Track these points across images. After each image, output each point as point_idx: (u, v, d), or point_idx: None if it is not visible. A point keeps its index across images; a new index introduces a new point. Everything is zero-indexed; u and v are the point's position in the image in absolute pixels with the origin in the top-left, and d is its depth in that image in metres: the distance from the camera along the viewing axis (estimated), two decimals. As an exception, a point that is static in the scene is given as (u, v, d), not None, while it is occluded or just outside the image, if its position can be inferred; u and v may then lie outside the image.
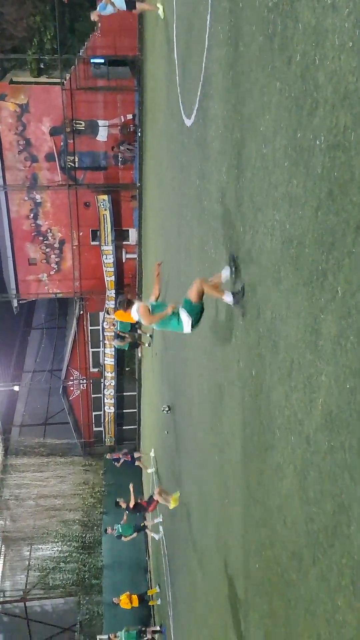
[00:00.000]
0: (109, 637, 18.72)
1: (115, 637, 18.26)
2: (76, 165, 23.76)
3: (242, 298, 5.88)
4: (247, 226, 5.60)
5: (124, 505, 16.67)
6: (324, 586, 3.79)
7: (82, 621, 24.26)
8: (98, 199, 23.81)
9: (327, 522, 3.71)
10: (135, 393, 27.77)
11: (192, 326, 6.68)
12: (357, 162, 3.16)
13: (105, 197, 23.70)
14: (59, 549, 25.87)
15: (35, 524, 26.42)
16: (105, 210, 23.76)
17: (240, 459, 6.30)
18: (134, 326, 20.67)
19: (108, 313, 25.74)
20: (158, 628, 18.37)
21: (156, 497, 13.94)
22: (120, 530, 18.14)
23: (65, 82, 21.94)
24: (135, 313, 7.02)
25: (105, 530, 19.10)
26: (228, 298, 6.24)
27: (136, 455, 22.30)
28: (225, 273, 6.38)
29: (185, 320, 6.58)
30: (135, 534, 18.44)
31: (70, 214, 24.18)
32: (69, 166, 23.51)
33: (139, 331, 20.00)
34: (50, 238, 24.80)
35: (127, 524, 18.23)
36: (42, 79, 23.25)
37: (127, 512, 17.01)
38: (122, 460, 21.64)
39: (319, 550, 3.87)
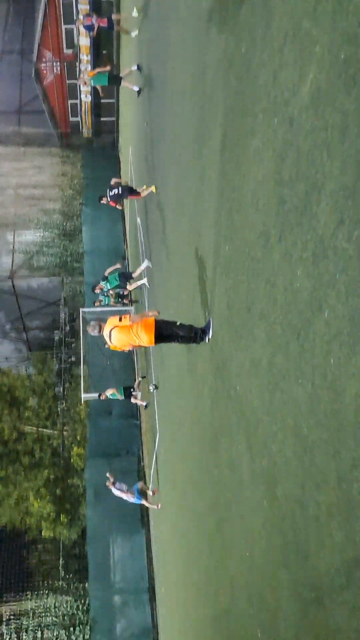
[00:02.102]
0: (99, 395, 17.84)
1: (106, 397, 17.66)
2: None
3: None
4: None
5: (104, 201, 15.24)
6: (286, 259, 4.11)
7: (65, 297, 27.00)
8: None
9: (298, 202, 3.84)
10: (113, 82, 25.87)
11: None
12: None
13: None
14: (41, 234, 27.21)
15: (17, 212, 27.24)
16: None
17: (219, 151, 6.20)
18: (112, 78, 16.27)
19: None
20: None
21: (142, 193, 13.66)
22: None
23: None
24: None
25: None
26: None
27: (115, 17, 17.36)
28: None
29: None
30: (112, 204, 15.69)
31: None
32: None
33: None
34: None
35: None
36: None
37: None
38: (96, 27, 17.08)
39: (286, 228, 4.08)
